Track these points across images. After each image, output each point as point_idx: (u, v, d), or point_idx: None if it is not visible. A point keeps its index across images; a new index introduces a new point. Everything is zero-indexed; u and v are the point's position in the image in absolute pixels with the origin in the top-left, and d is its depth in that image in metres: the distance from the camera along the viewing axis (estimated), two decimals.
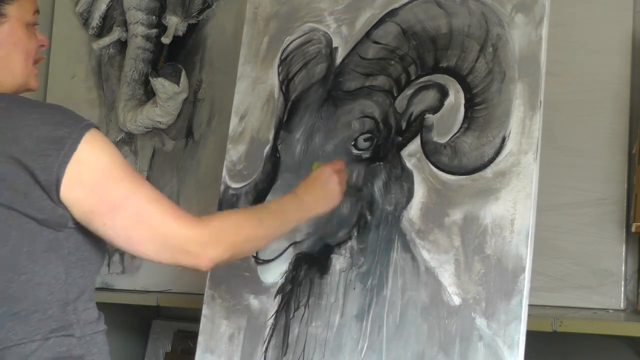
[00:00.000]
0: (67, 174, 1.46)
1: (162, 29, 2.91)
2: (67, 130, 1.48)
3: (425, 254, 1.88)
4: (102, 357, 1.57)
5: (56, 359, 1.50)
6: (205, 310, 2.15)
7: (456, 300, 1.82)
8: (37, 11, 1.67)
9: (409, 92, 1.99)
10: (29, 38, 1.66)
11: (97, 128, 1.52)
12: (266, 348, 2.02)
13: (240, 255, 1.68)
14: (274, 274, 2.05)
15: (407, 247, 1.91)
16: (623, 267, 2.29)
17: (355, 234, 1.98)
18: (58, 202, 1.48)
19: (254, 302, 2.07)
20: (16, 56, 1.64)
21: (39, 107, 1.55)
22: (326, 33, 2.14)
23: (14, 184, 1.47)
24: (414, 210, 1.92)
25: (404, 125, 1.98)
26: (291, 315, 2.00)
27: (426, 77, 1.97)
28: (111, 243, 1.54)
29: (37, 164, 1.46)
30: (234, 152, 2.22)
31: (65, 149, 1.46)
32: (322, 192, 1.84)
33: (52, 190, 1.46)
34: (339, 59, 2.10)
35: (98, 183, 1.48)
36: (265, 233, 1.70)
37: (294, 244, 2.03)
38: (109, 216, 1.49)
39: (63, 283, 1.52)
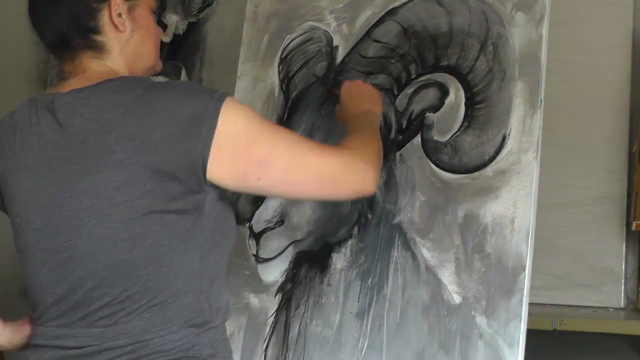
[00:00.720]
0: (211, 152, 1.44)
1: (162, 27, 2.90)
2: (203, 107, 1.45)
3: (426, 253, 1.88)
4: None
5: (189, 349, 1.47)
6: None
7: (456, 299, 1.82)
8: None
9: (409, 90, 1.99)
10: (154, 24, 1.65)
11: (230, 96, 1.50)
12: (266, 346, 2.02)
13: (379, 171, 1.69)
14: (274, 272, 2.05)
15: (407, 245, 1.91)
16: (623, 266, 2.29)
17: (356, 232, 1.98)
18: (203, 183, 1.46)
19: (254, 300, 2.07)
20: (149, 41, 1.64)
21: (171, 87, 1.51)
22: (326, 31, 2.14)
23: (153, 188, 1.44)
24: (414, 209, 1.92)
25: (404, 123, 1.98)
26: (291, 314, 2.00)
27: (426, 76, 1.97)
28: (269, 194, 1.65)
29: (176, 152, 1.44)
30: None
31: (205, 128, 1.44)
32: (366, 95, 1.87)
33: (198, 173, 1.45)
34: (339, 57, 2.10)
35: (240, 148, 1.46)
36: (379, 145, 1.70)
37: (294, 242, 2.03)
38: (261, 171, 1.49)
39: (198, 271, 1.50)
